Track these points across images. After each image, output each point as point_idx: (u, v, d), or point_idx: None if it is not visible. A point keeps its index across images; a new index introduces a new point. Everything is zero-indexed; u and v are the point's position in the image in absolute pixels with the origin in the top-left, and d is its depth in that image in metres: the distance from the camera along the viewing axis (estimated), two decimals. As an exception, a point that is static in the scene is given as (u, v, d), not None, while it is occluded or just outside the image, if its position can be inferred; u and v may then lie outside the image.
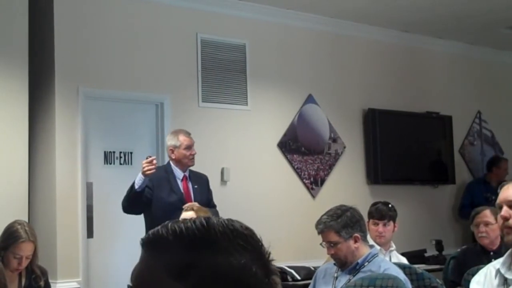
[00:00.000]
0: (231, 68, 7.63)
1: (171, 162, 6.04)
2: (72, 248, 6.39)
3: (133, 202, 5.77)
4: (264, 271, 1.25)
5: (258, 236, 1.29)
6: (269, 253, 1.28)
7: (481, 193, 8.95)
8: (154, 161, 5.70)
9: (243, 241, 1.25)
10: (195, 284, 1.21)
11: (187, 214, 4.66)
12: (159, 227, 1.29)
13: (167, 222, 1.30)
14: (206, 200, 5.94)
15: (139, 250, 1.31)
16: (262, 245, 1.29)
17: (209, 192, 6.19)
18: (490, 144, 10.24)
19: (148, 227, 5.81)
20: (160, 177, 5.85)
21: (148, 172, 5.62)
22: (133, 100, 7.00)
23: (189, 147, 6.00)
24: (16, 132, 6.20)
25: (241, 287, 1.22)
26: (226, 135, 7.51)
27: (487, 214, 5.43)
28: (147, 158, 5.70)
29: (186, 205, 5.00)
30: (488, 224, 5.39)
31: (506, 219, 3.10)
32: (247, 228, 1.29)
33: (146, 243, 1.30)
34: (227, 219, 1.28)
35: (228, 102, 7.58)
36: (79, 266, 6.41)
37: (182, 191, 5.95)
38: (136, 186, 5.69)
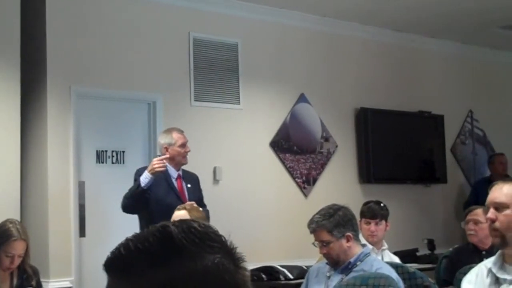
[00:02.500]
0: (223, 67, 7.63)
1: (164, 161, 6.03)
2: (65, 247, 6.38)
3: (137, 200, 5.76)
4: (234, 262, 1.24)
5: (215, 229, 1.27)
6: (231, 242, 1.26)
7: (485, 192, 8.95)
8: (165, 161, 5.77)
9: (209, 240, 1.23)
10: None
11: (179, 214, 4.65)
12: (118, 246, 1.24)
13: (124, 239, 1.24)
14: (198, 199, 5.94)
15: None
16: (223, 236, 1.27)
17: (200, 191, 6.20)
18: (482, 143, 10.26)
19: (144, 227, 5.80)
20: (157, 176, 5.85)
21: (158, 169, 5.68)
22: (126, 99, 7.00)
23: (184, 144, 6.02)
24: (8, 131, 6.18)
25: (220, 285, 1.21)
26: (218, 134, 7.51)
27: (478, 212, 5.45)
28: (157, 156, 5.80)
29: (180, 205, 4.99)
30: (478, 223, 5.41)
31: (492, 221, 3.11)
32: (205, 226, 1.26)
33: (112, 268, 1.24)
34: (183, 222, 1.25)
35: (220, 101, 7.58)
36: (71, 265, 6.40)
37: (178, 190, 5.97)
38: (143, 184, 5.71)
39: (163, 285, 1.19)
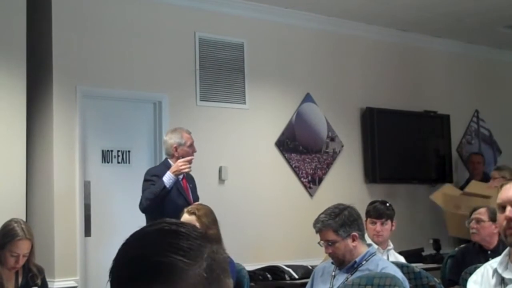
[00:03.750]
0: (229, 67, 7.63)
1: (169, 161, 6.04)
2: (70, 246, 6.39)
3: (160, 201, 5.76)
4: (215, 245, 1.33)
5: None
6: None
7: None
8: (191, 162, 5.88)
9: (198, 229, 1.33)
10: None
11: (190, 219, 4.55)
12: (137, 254, 1.27)
13: (137, 245, 1.29)
14: (197, 200, 5.95)
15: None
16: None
17: (196, 192, 6.20)
18: (488, 143, 10.25)
19: None
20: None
21: (186, 170, 5.79)
22: (131, 99, 7.00)
23: (192, 145, 6.07)
24: (14, 131, 6.19)
25: (225, 264, 1.31)
26: (224, 134, 7.51)
27: (481, 211, 5.49)
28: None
29: (189, 207, 4.92)
30: (480, 221, 5.43)
31: (511, 219, 3.06)
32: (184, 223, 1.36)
33: (145, 274, 1.25)
34: (179, 223, 1.33)
35: (226, 101, 7.58)
36: (76, 265, 6.41)
37: (184, 190, 5.98)
38: (168, 186, 5.74)
39: (205, 272, 1.25)
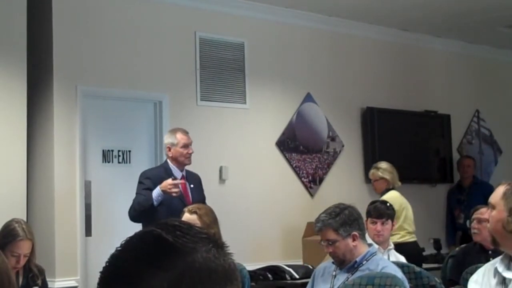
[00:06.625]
0: (229, 67, 7.63)
1: (168, 161, 6.03)
2: (71, 246, 6.39)
3: (146, 215, 5.72)
4: (217, 248, 1.30)
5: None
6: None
7: (454, 197, 9.15)
8: (180, 187, 5.76)
9: (198, 233, 1.29)
10: None
11: (191, 218, 4.54)
12: (111, 262, 1.27)
13: (114, 253, 1.29)
14: (202, 200, 5.92)
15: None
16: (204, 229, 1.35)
17: (202, 191, 6.16)
18: (488, 143, 10.24)
19: None
20: (162, 179, 5.82)
21: (174, 194, 5.67)
22: (132, 99, 7.00)
23: (186, 145, 5.98)
24: (14, 131, 6.19)
25: (217, 271, 1.26)
26: (224, 134, 7.50)
27: (482, 211, 5.46)
28: (173, 179, 5.75)
29: (190, 206, 4.90)
30: (481, 221, 5.41)
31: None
32: (186, 222, 1.33)
33: (112, 284, 1.25)
34: (166, 224, 1.30)
35: (227, 101, 7.58)
36: (77, 265, 6.41)
37: (182, 191, 5.93)
38: (155, 203, 5.70)
39: (171, 285, 1.21)
